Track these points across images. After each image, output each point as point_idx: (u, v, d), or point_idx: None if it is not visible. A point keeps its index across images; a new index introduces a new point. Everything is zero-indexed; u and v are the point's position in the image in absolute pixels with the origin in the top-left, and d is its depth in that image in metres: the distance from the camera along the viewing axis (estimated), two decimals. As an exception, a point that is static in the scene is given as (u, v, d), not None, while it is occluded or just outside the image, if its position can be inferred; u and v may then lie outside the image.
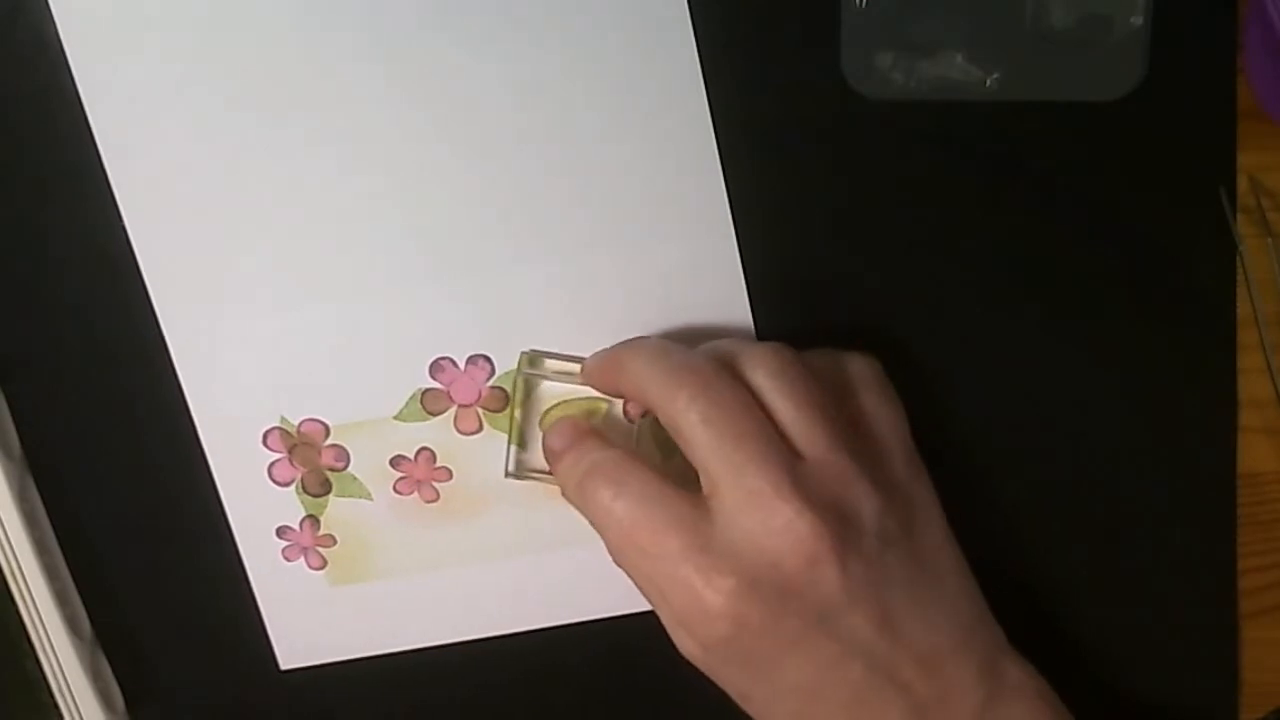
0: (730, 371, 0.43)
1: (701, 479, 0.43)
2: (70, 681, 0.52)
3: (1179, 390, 0.49)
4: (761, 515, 0.41)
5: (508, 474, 0.50)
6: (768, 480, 0.41)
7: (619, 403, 0.50)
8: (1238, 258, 0.47)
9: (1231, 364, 0.49)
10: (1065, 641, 0.53)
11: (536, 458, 0.49)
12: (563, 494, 0.45)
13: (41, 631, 0.51)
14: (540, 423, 0.50)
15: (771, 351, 0.44)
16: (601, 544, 0.44)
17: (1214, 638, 0.52)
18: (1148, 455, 0.50)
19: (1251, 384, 0.49)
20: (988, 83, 0.44)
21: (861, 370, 0.46)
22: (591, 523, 0.44)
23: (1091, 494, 0.51)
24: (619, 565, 0.44)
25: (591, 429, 0.46)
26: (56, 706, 0.52)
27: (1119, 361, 0.49)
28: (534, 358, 0.49)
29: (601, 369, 0.47)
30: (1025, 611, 0.53)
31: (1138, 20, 0.42)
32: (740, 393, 0.42)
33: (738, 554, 0.41)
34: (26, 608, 0.51)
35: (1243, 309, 0.48)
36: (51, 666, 0.52)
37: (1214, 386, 0.49)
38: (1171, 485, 0.50)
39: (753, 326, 0.48)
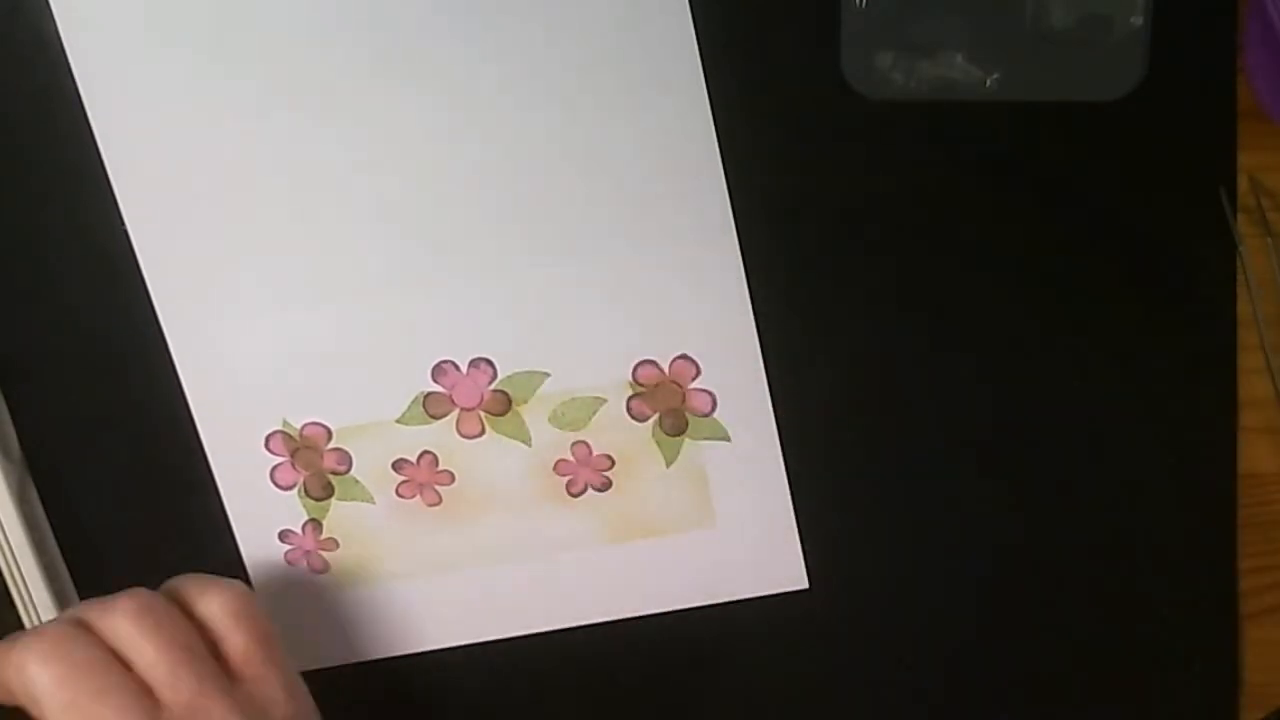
0: (85, 629, 0.42)
1: None
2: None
3: (1179, 390, 0.49)
4: None
5: None
6: None
7: (619, 402, 0.50)
8: (1238, 258, 0.47)
9: (1231, 364, 0.49)
10: (1065, 641, 0.53)
11: None
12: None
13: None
14: None
15: (128, 598, 0.43)
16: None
17: (1214, 638, 0.52)
18: (1148, 455, 0.50)
19: (1251, 384, 0.49)
20: (988, 83, 0.44)
21: (219, 609, 0.45)
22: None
23: (1091, 494, 0.51)
24: None
25: None
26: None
27: (1119, 361, 0.49)
28: None
29: None
30: (1025, 612, 0.53)
31: (1138, 20, 0.42)
32: (95, 649, 0.41)
33: None
34: (25, 609, 0.51)
35: (1243, 309, 0.48)
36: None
37: (1214, 386, 0.49)
38: (1171, 485, 0.50)
39: (753, 326, 0.48)
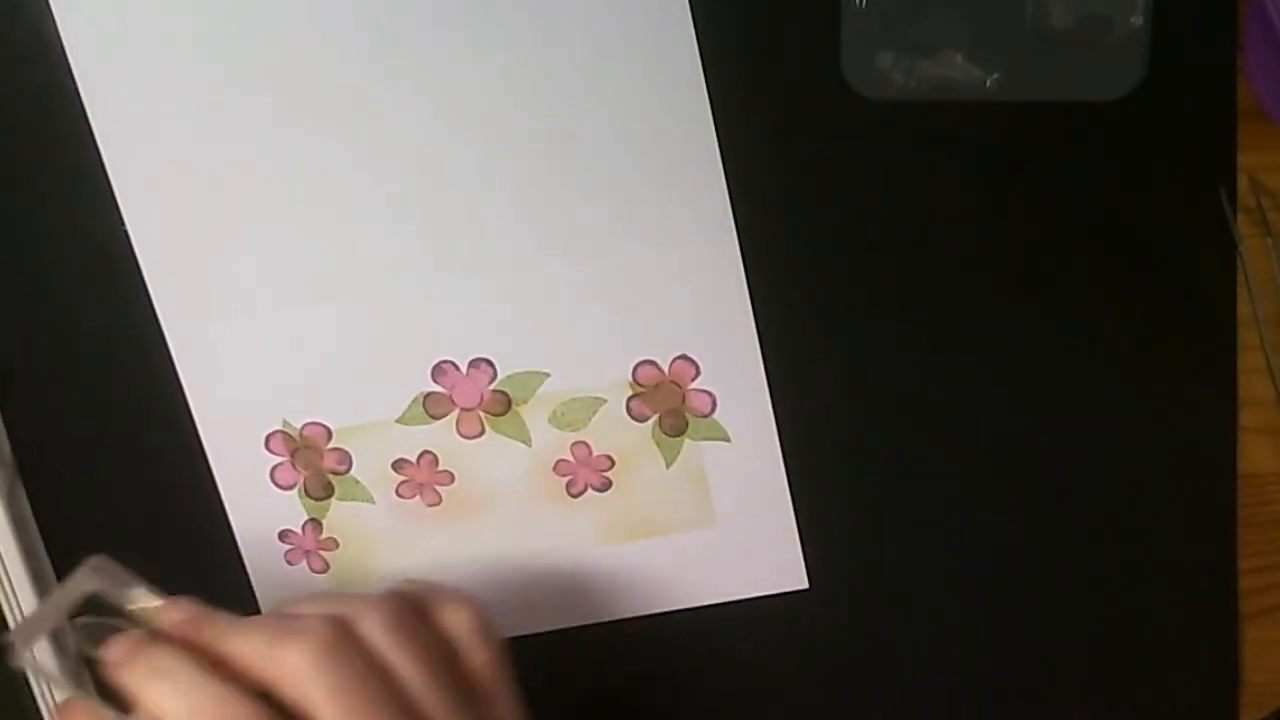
0: (348, 632, 0.41)
1: None
2: (52, 685, 0.52)
3: (1179, 390, 0.49)
4: None
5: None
6: None
7: (619, 402, 0.50)
8: (1238, 258, 0.47)
9: (1231, 364, 0.49)
10: (1065, 641, 0.53)
11: None
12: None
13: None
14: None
15: (386, 611, 0.42)
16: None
17: (1214, 638, 0.52)
18: (1148, 455, 0.50)
19: (1251, 384, 0.49)
20: (988, 83, 0.44)
21: (464, 626, 0.44)
22: None
23: (1091, 493, 0.51)
24: None
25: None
26: (38, 710, 0.52)
27: (1119, 361, 0.49)
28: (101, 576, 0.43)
29: (195, 624, 0.43)
30: (1025, 612, 0.53)
31: (1138, 20, 0.42)
32: (364, 659, 0.41)
33: None
34: (11, 611, 0.51)
35: (1243, 309, 0.48)
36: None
37: (1214, 386, 0.49)
38: (1171, 485, 0.50)
39: (753, 326, 0.48)
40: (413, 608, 0.43)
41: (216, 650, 0.41)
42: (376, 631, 0.42)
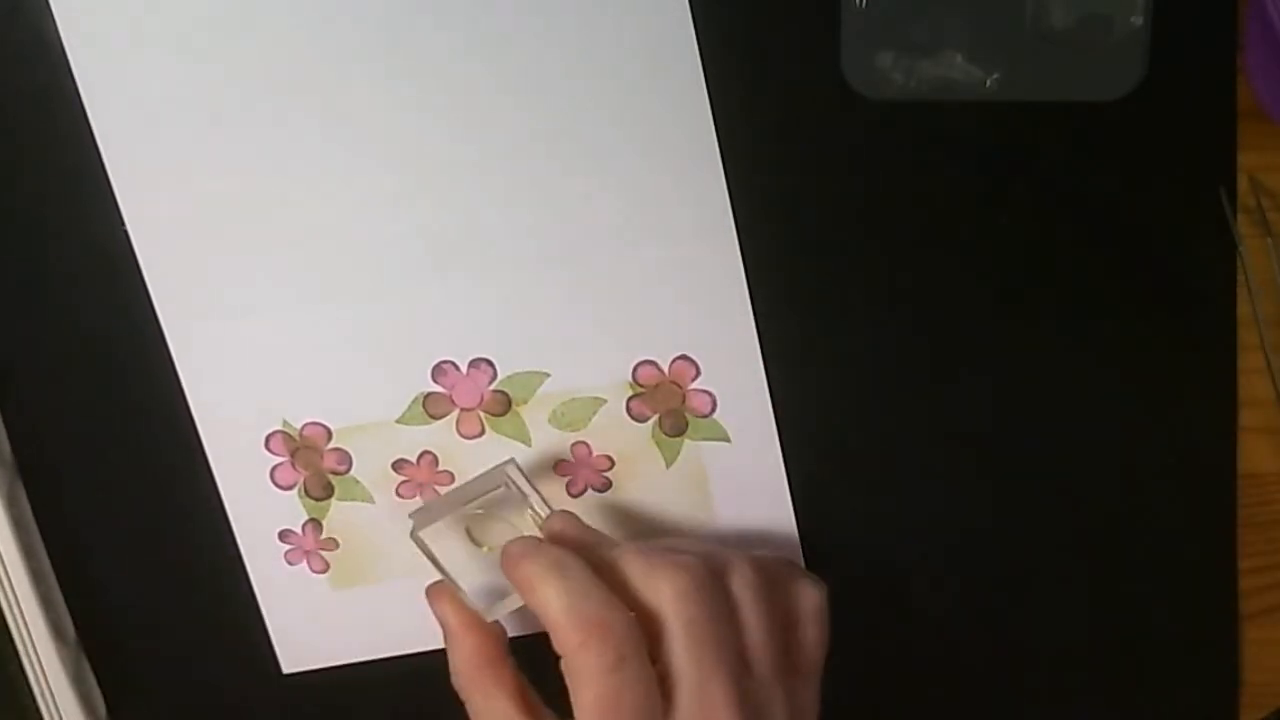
0: (718, 579, 0.45)
1: (662, 663, 0.44)
2: (52, 685, 0.52)
3: (1179, 390, 0.49)
4: None
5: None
6: (724, 692, 0.43)
7: (619, 402, 0.50)
8: (1238, 258, 0.47)
9: (1231, 364, 0.49)
10: (1065, 641, 0.53)
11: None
12: (544, 616, 0.45)
13: (25, 635, 0.51)
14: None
15: (754, 569, 0.46)
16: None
17: (1214, 638, 0.52)
18: (1148, 455, 0.50)
19: (1251, 384, 0.49)
20: (988, 83, 0.44)
21: (810, 603, 0.47)
22: (574, 662, 0.43)
23: (1091, 494, 0.51)
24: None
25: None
26: (38, 709, 0.52)
27: (1119, 361, 0.49)
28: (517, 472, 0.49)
29: (580, 538, 0.47)
30: (1025, 611, 0.53)
31: (1138, 20, 0.42)
32: (725, 604, 0.45)
33: None
34: (11, 611, 0.51)
35: (1243, 309, 0.48)
36: (34, 670, 0.51)
37: (1214, 386, 0.49)
38: (1171, 485, 0.50)
39: (755, 344, 0.48)
40: (772, 575, 0.47)
41: (592, 564, 0.45)
42: (741, 584, 0.45)
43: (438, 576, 0.48)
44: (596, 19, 0.45)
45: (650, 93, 0.46)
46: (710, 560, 0.45)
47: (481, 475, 0.49)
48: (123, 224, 0.47)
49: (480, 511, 0.50)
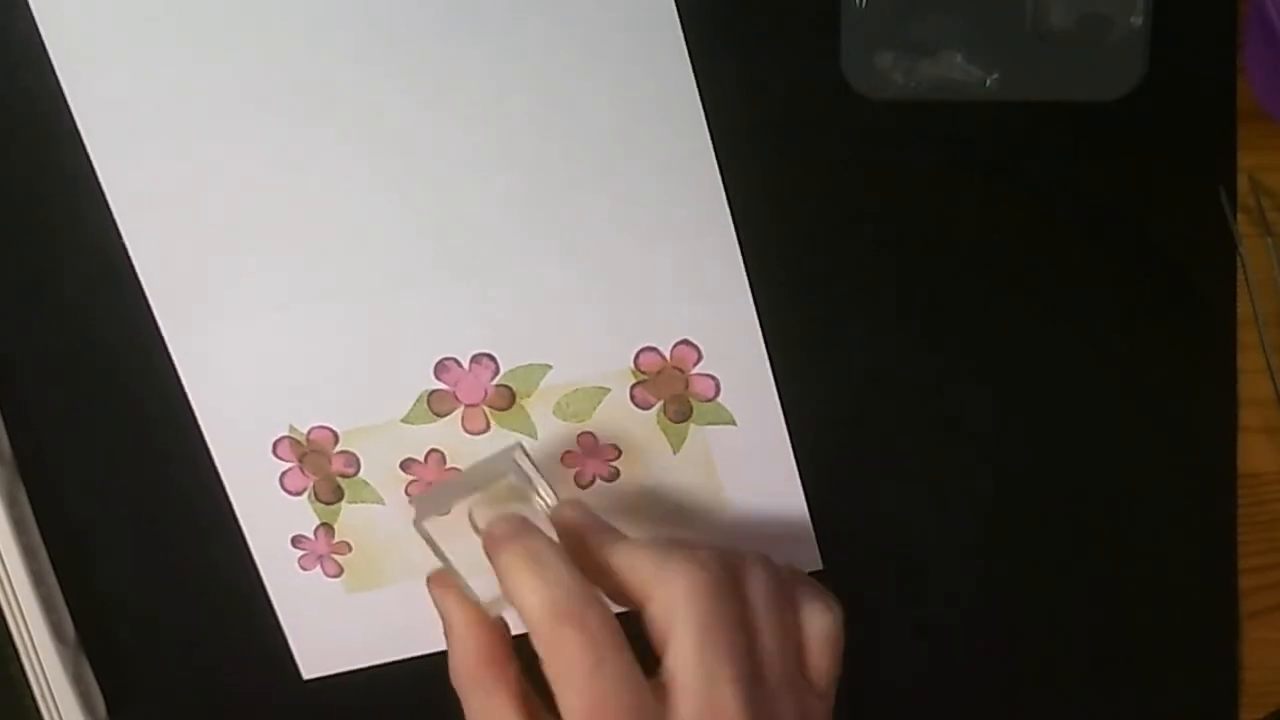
0: (733, 582, 0.44)
1: (669, 663, 0.42)
2: (52, 685, 0.52)
3: (1179, 390, 0.49)
4: None
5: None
6: (733, 698, 0.42)
7: (623, 391, 0.50)
8: (1238, 258, 0.47)
9: (1231, 364, 0.49)
10: (1065, 641, 0.53)
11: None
12: (518, 609, 0.43)
13: (25, 635, 0.51)
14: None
15: (770, 573, 0.45)
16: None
17: (1214, 638, 0.52)
18: (1148, 455, 0.50)
19: (1251, 384, 0.49)
20: (988, 83, 0.44)
21: (825, 622, 0.46)
22: (553, 665, 0.42)
23: (1091, 494, 0.51)
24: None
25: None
26: (38, 709, 0.52)
27: (1119, 361, 0.49)
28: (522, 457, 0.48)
29: (587, 528, 0.46)
30: (1025, 611, 0.53)
31: (1138, 20, 0.42)
32: (737, 610, 0.43)
33: None
34: (11, 612, 0.51)
35: (1243, 309, 0.48)
36: (34, 670, 0.51)
37: (1214, 386, 0.49)
38: (1171, 485, 0.50)
39: (756, 326, 0.48)
40: (787, 589, 0.45)
41: (600, 556, 0.44)
42: (757, 590, 0.44)
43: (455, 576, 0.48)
44: (595, 19, 0.45)
45: (649, 92, 0.46)
46: (726, 559, 0.44)
47: (488, 459, 0.48)
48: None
49: (485, 498, 0.48)
